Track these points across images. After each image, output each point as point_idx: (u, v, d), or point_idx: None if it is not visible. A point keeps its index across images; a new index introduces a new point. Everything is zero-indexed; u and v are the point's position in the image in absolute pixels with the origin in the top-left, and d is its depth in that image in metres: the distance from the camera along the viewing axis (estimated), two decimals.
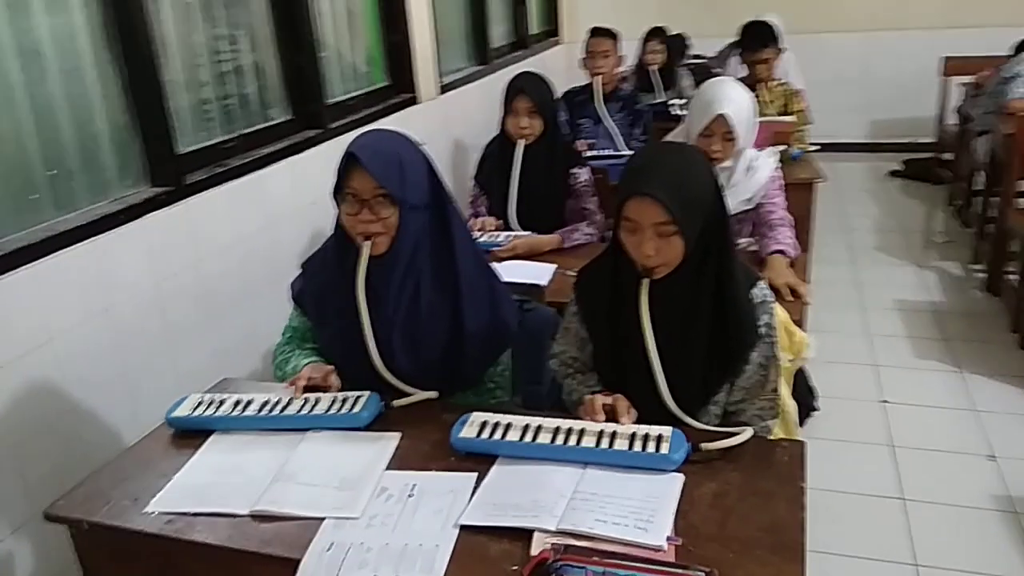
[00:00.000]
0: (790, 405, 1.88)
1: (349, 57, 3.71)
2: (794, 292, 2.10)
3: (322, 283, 1.72)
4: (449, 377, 1.71)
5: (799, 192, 3.13)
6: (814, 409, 2.90)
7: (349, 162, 1.56)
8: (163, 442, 1.54)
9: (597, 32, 3.87)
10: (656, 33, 4.75)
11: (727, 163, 2.38)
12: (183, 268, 2.41)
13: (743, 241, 2.47)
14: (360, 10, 3.78)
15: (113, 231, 2.17)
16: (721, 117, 2.25)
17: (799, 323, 3.20)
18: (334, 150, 3.27)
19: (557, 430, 1.40)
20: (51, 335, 1.97)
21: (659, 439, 1.36)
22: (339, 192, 1.59)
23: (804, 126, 3.57)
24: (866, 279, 4.12)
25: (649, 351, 1.44)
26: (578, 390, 1.65)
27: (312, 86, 3.19)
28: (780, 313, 1.84)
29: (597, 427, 1.40)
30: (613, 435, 1.38)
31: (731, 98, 2.27)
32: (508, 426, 1.42)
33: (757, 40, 3.54)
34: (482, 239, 2.54)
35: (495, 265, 2.33)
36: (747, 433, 1.41)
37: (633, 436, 1.37)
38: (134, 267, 2.24)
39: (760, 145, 3.28)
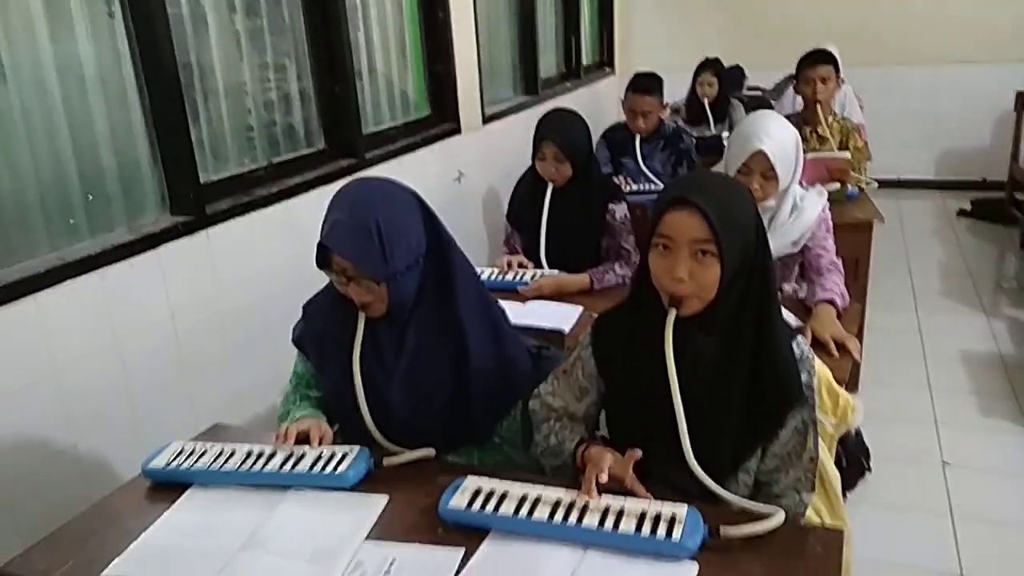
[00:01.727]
0: (832, 474, 1.69)
1: (390, 86, 3.65)
2: (841, 347, 1.91)
3: (321, 330, 1.62)
4: (455, 431, 1.59)
5: (855, 233, 2.94)
6: (867, 470, 2.67)
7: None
8: (138, 495, 1.44)
9: (638, 87, 3.53)
10: (709, 65, 4.60)
11: (770, 203, 2.21)
12: (202, 300, 2.34)
13: (788, 287, 2.29)
14: (404, 40, 3.73)
15: (125, 261, 2.11)
16: (760, 154, 2.09)
17: (848, 379, 3.00)
18: None
19: (557, 504, 1.25)
20: (56, 367, 1.91)
21: (672, 521, 1.20)
22: (323, 266, 1.49)
23: (862, 163, 3.36)
24: (929, 327, 3.84)
25: (674, 395, 1.27)
26: (560, 435, 1.48)
27: (347, 115, 3.13)
28: (822, 372, 1.67)
29: (602, 503, 1.24)
30: (620, 513, 1.22)
31: (771, 133, 2.10)
32: (504, 496, 1.28)
33: (814, 56, 3.36)
34: (507, 278, 2.41)
35: (514, 305, 2.23)
36: (777, 518, 1.23)
37: (643, 516, 1.21)
38: (147, 298, 2.17)
39: (813, 182, 3.10)
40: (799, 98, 3.55)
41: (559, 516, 1.23)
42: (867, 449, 2.70)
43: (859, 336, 3.06)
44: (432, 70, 3.88)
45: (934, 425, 2.99)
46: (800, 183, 2.39)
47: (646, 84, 3.48)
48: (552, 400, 1.53)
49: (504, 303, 2.24)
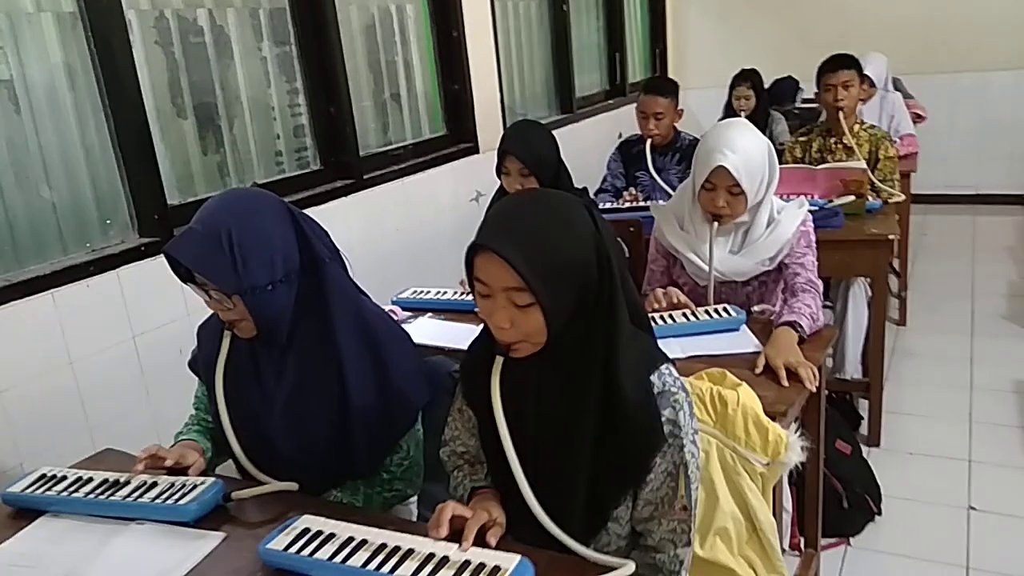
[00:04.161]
0: (766, 522, 1.49)
1: (401, 106, 3.63)
2: (793, 375, 1.69)
3: (207, 354, 1.55)
4: (337, 465, 1.48)
5: (872, 249, 2.68)
6: (875, 512, 2.41)
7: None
8: None
9: (651, 89, 3.31)
10: (745, 77, 4.36)
11: (743, 218, 2.03)
12: (169, 321, 2.34)
13: (758, 308, 2.08)
14: (416, 59, 3.71)
15: (82, 281, 2.13)
16: (721, 169, 1.91)
17: (871, 410, 2.72)
18: (367, 200, 3.19)
19: (381, 548, 1.13)
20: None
21: (495, 571, 1.06)
22: (188, 281, 1.42)
23: (893, 174, 3.08)
24: (983, 354, 3.47)
25: (506, 448, 1.14)
26: (463, 485, 1.35)
27: (342, 136, 3.10)
28: (749, 403, 1.49)
29: (426, 549, 1.11)
30: (443, 561, 1.09)
31: (734, 147, 1.91)
32: (329, 537, 1.16)
33: (834, 62, 3.12)
34: (468, 298, 2.30)
35: (468, 326, 2.09)
36: (627, 568, 1.08)
37: (465, 565, 1.08)
38: (106, 318, 2.18)
39: (828, 195, 2.86)
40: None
41: (375, 563, 1.10)
42: (878, 488, 2.45)
43: (879, 361, 2.79)
44: (447, 89, 3.83)
45: (967, 463, 2.66)
46: (783, 196, 2.19)
47: (658, 84, 3.29)
48: (456, 445, 1.40)
49: (460, 324, 2.16)
